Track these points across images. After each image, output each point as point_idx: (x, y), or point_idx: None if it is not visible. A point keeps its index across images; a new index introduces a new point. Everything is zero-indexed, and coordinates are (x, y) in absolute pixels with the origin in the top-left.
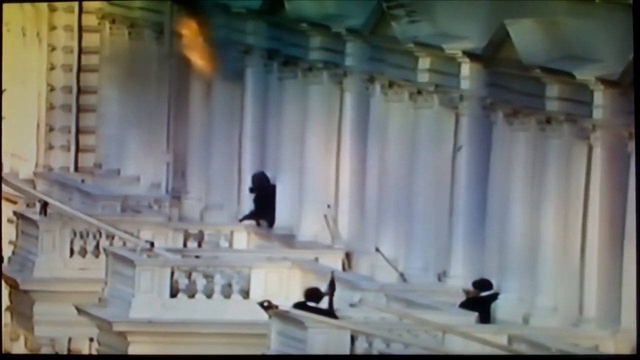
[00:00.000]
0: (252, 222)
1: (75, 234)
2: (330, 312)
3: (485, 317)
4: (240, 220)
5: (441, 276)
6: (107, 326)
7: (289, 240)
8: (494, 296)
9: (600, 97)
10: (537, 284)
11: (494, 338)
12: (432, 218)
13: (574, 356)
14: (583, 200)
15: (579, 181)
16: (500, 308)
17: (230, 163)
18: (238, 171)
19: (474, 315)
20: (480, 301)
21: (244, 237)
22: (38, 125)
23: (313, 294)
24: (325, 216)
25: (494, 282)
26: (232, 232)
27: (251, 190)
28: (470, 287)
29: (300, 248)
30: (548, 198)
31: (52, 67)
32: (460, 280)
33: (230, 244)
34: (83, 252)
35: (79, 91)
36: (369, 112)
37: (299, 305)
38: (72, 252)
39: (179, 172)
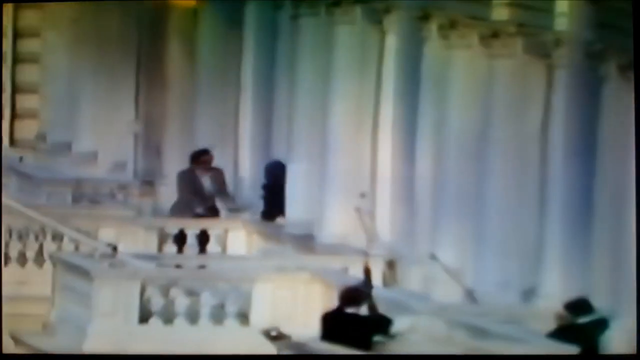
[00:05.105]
0: (256, 219)
1: (10, 234)
2: (379, 321)
3: (589, 351)
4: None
5: (528, 295)
6: None
7: (306, 242)
8: (600, 324)
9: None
10: None
11: None
12: (514, 214)
13: (574, 356)
14: None
15: None
16: (616, 340)
17: (223, 135)
18: (234, 146)
19: (573, 349)
20: (575, 330)
21: (242, 238)
22: None
23: (352, 297)
24: (357, 210)
25: (606, 304)
26: (226, 232)
27: (265, 187)
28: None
29: (322, 253)
30: None
31: None
32: (556, 301)
33: (224, 248)
34: (22, 260)
35: (16, 35)
36: (421, 64)
37: (332, 316)
38: (7, 259)
39: (152, 148)
